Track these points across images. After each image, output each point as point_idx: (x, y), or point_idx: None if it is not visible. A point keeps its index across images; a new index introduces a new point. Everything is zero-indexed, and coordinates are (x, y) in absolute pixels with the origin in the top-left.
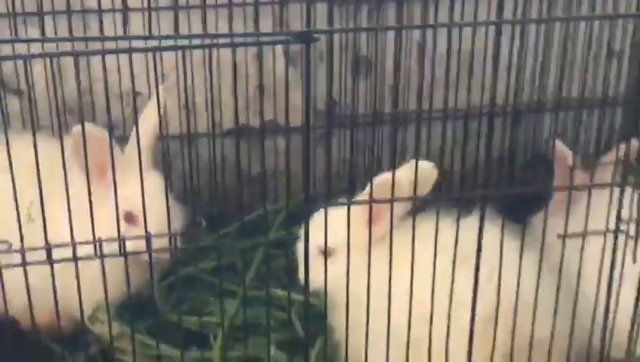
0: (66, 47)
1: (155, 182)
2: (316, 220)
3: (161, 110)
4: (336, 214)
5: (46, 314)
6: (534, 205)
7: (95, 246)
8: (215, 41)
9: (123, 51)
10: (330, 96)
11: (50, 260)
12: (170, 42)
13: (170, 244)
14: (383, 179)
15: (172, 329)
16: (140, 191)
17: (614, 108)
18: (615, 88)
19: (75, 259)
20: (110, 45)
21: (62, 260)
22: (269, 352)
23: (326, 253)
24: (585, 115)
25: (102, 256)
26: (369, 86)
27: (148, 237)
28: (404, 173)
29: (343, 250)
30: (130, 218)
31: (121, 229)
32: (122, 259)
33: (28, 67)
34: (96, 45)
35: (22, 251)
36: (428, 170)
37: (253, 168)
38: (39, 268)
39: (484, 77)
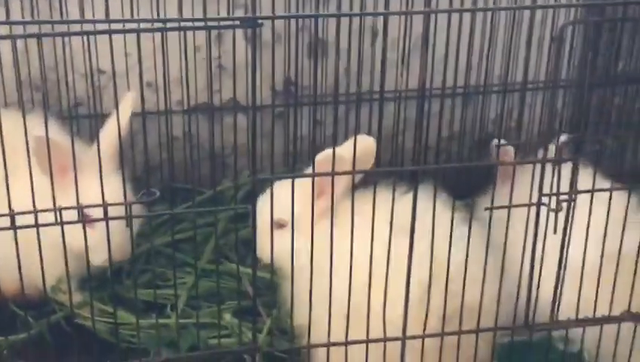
0: (33, 29)
1: (115, 186)
2: (266, 195)
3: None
4: (285, 188)
5: (12, 284)
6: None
7: (55, 214)
8: (166, 25)
9: (82, 33)
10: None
11: (13, 226)
12: (127, 26)
13: (126, 212)
14: (325, 154)
15: (131, 299)
16: (98, 195)
17: (556, 91)
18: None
19: (36, 225)
20: (74, 28)
21: (25, 226)
22: (219, 317)
23: (272, 225)
24: (529, 97)
25: (62, 223)
26: (324, 67)
27: (105, 206)
28: (347, 148)
29: (295, 223)
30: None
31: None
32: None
33: None
34: (61, 28)
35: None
36: (369, 145)
37: (215, 144)
38: (4, 239)
39: (434, 60)
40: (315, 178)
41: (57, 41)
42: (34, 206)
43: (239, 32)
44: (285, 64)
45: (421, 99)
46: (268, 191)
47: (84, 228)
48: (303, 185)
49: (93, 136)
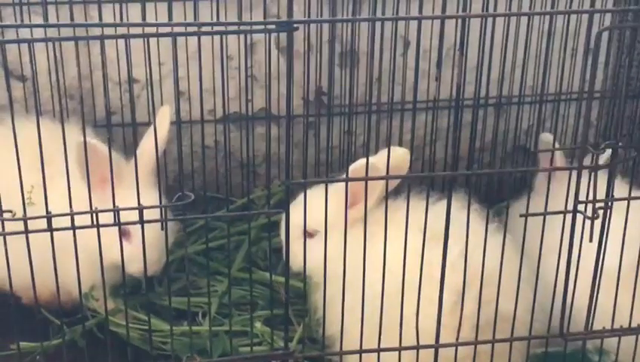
0: (68, 33)
1: (153, 197)
2: (298, 203)
3: (162, 133)
4: (318, 197)
5: (46, 291)
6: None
7: (92, 216)
8: (200, 29)
9: (119, 37)
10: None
11: (50, 228)
12: (160, 30)
13: (161, 216)
14: (359, 162)
15: (164, 307)
16: (136, 210)
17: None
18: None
19: (73, 227)
20: (108, 31)
21: (61, 228)
22: (252, 324)
23: (305, 232)
24: (562, 107)
25: (97, 226)
26: (356, 77)
27: (140, 209)
28: (380, 158)
29: (327, 230)
30: (124, 233)
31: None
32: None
33: (31, 51)
34: (96, 32)
35: (24, 218)
36: (402, 155)
37: (244, 154)
38: (40, 247)
39: (466, 70)
40: (349, 188)
41: (92, 49)
42: (70, 208)
43: (271, 42)
44: (317, 74)
45: (456, 107)
46: (299, 198)
47: (119, 230)
48: (335, 195)
49: (126, 145)
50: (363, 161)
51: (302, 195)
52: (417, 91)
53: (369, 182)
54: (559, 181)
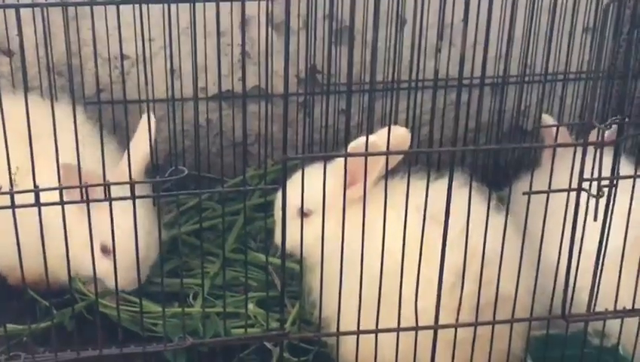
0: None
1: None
2: (294, 181)
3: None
4: (314, 175)
5: (33, 274)
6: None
7: (81, 191)
8: None
9: (109, 2)
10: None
11: (37, 203)
12: None
13: (154, 191)
14: (359, 140)
15: (155, 288)
16: (116, 225)
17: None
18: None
19: (62, 202)
20: None
21: (49, 203)
22: (246, 305)
23: (303, 210)
24: (559, 88)
25: (87, 201)
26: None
27: (132, 184)
28: (380, 135)
29: (320, 211)
30: (105, 249)
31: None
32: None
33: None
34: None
35: (10, 192)
36: (403, 134)
37: (237, 133)
38: (26, 228)
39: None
40: (348, 166)
41: (81, 23)
42: (59, 182)
43: (264, 19)
44: (310, 51)
45: (459, 81)
46: (294, 178)
47: (110, 206)
48: (333, 174)
49: (115, 123)
50: (363, 138)
51: (296, 175)
52: (414, 70)
53: (369, 160)
54: (563, 159)
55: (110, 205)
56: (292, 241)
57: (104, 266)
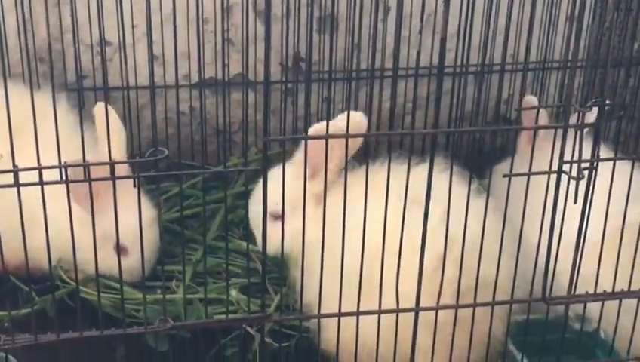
0: None
1: (145, 213)
2: (259, 187)
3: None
4: (277, 178)
5: (13, 261)
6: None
7: (60, 171)
8: None
9: None
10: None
11: (17, 183)
12: None
13: (134, 172)
14: (318, 125)
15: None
16: (129, 223)
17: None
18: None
19: (41, 183)
20: None
21: (29, 184)
22: (227, 291)
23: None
24: (541, 76)
25: (67, 181)
26: (334, 43)
27: (112, 164)
28: (337, 122)
29: (292, 212)
30: (121, 249)
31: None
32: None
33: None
34: None
35: None
36: (358, 120)
37: (220, 120)
38: (6, 212)
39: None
40: (308, 159)
41: (63, 9)
42: (38, 162)
43: (247, 5)
44: (294, 39)
45: (440, 66)
46: (259, 185)
47: (90, 186)
48: (294, 173)
49: None
50: (321, 123)
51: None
52: (398, 58)
53: (329, 145)
54: (543, 142)
55: (90, 186)
56: (272, 246)
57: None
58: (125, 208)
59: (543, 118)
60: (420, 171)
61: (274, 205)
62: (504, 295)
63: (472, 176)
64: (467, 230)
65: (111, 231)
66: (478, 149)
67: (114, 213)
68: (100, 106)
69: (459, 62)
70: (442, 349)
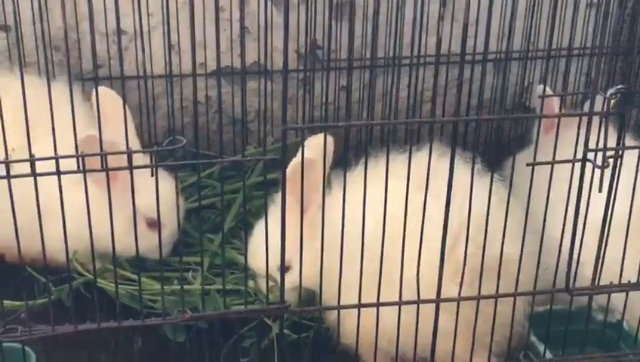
0: None
1: (170, 187)
2: (258, 241)
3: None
4: (274, 233)
5: (30, 252)
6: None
7: (78, 161)
8: None
9: None
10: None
11: (34, 173)
12: None
13: (151, 161)
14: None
15: (152, 265)
16: (156, 198)
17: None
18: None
19: (58, 172)
20: None
21: (46, 173)
22: (246, 282)
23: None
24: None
25: (84, 171)
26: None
27: (129, 154)
28: (311, 148)
29: (295, 259)
30: (152, 223)
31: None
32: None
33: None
34: None
35: (5, 161)
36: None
37: (237, 110)
38: (22, 205)
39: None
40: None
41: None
42: (55, 152)
43: None
44: (310, 26)
45: (462, 52)
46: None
47: (107, 176)
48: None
49: None
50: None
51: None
52: (415, 46)
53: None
54: (561, 130)
55: (107, 176)
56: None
57: (150, 240)
58: (150, 183)
59: (558, 106)
60: (423, 158)
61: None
62: (526, 277)
63: (492, 163)
64: (480, 210)
65: (139, 209)
66: (497, 139)
67: (131, 194)
68: (102, 92)
69: (479, 50)
70: (464, 332)
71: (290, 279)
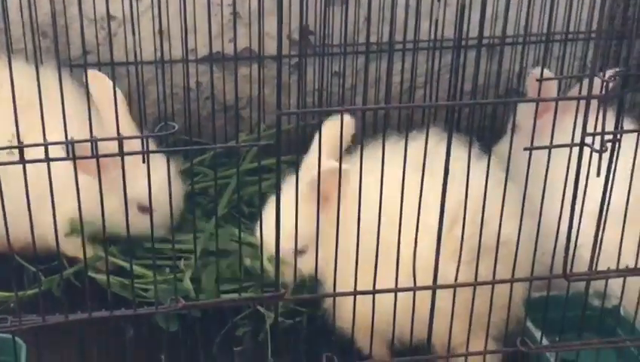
0: None
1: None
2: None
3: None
4: (288, 217)
5: (19, 240)
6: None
7: (67, 148)
8: None
9: None
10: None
11: (22, 160)
12: None
13: (143, 147)
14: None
15: (144, 252)
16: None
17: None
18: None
19: (47, 159)
20: None
21: (34, 160)
22: (241, 270)
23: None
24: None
25: (74, 158)
26: (343, 16)
27: (120, 140)
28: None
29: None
30: (143, 209)
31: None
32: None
33: None
34: None
35: None
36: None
37: (228, 96)
38: (14, 188)
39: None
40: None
41: None
42: (44, 138)
43: None
44: (303, 12)
45: (459, 37)
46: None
47: (97, 163)
48: (305, 197)
49: None
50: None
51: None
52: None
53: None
54: (550, 116)
55: (97, 162)
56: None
57: (142, 223)
58: (143, 168)
59: (552, 90)
60: (420, 142)
61: (298, 243)
62: (524, 258)
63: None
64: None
65: (132, 195)
66: (491, 123)
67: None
68: (93, 76)
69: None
70: (462, 312)
71: (305, 263)
